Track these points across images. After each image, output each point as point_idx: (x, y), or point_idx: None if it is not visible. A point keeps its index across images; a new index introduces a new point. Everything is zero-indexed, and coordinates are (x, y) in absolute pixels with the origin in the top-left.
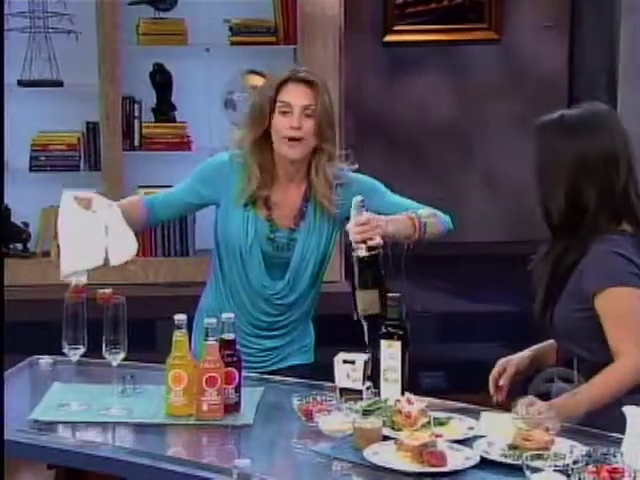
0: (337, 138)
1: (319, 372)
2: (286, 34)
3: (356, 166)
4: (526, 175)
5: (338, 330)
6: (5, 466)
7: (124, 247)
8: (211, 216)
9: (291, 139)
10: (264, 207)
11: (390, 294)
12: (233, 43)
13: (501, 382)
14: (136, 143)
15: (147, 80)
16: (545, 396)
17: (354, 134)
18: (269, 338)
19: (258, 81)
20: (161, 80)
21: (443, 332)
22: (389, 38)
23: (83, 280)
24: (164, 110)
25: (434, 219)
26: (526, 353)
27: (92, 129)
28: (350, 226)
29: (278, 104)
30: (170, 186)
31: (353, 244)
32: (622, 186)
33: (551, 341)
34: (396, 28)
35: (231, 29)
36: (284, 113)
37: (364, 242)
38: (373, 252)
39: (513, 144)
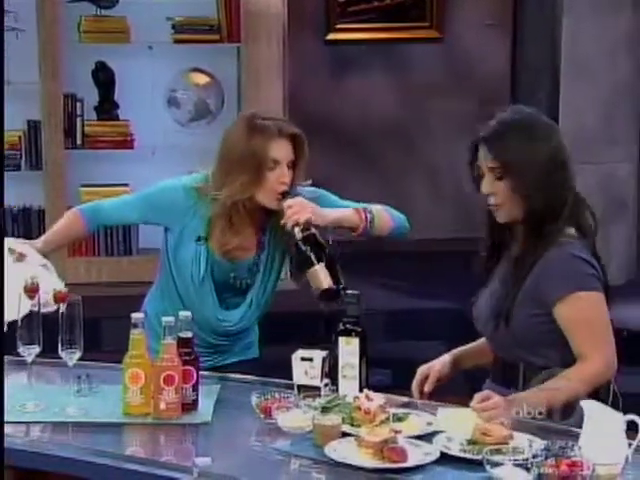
0: None
1: (264, 368)
2: (230, 32)
3: (309, 181)
4: (467, 171)
5: (285, 327)
6: None
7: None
8: None
9: (281, 193)
10: (219, 243)
11: (349, 291)
12: (176, 41)
13: (425, 389)
14: (78, 141)
15: (89, 78)
16: None
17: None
18: (219, 344)
19: (201, 79)
20: (104, 78)
21: (387, 330)
22: (332, 36)
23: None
24: (107, 108)
25: (384, 214)
26: (447, 358)
27: (33, 127)
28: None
29: (267, 161)
30: (113, 185)
31: (291, 232)
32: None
33: (475, 343)
34: (339, 26)
35: (174, 27)
36: (271, 169)
37: (297, 225)
38: (308, 231)
39: (456, 142)
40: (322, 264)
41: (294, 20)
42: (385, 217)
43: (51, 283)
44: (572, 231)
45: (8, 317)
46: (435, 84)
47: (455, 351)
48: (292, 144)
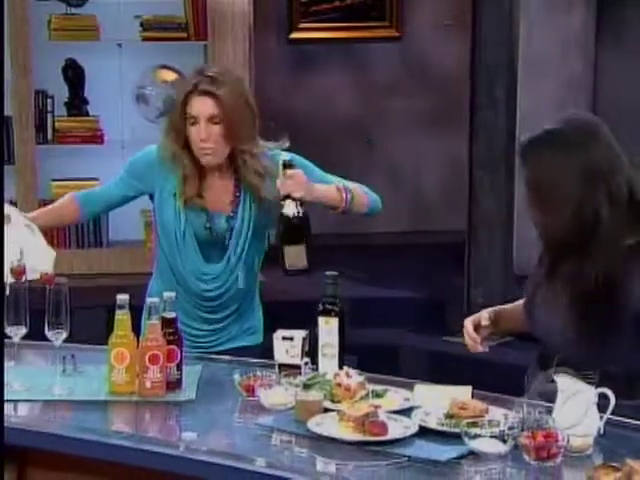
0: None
1: (268, 354)
2: (197, 30)
3: (287, 144)
4: (425, 168)
5: (288, 315)
6: None
7: (41, 262)
8: (125, 209)
9: (203, 149)
10: (196, 197)
11: (327, 272)
12: (144, 39)
13: (483, 322)
14: (49, 137)
15: (60, 75)
16: (550, 395)
17: (259, 130)
18: (214, 321)
19: (169, 76)
20: (73, 75)
21: (350, 318)
22: (294, 35)
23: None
24: (77, 104)
25: (361, 193)
26: (487, 313)
27: (5, 123)
28: (278, 182)
29: (187, 116)
30: (83, 179)
31: (280, 201)
32: (627, 190)
33: (514, 305)
34: (301, 26)
35: (142, 25)
36: (193, 124)
37: (290, 197)
38: (299, 209)
39: (414, 138)
40: (303, 246)
41: (258, 19)
42: (362, 197)
43: (36, 245)
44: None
45: None
46: (394, 82)
47: (495, 309)
48: (213, 100)
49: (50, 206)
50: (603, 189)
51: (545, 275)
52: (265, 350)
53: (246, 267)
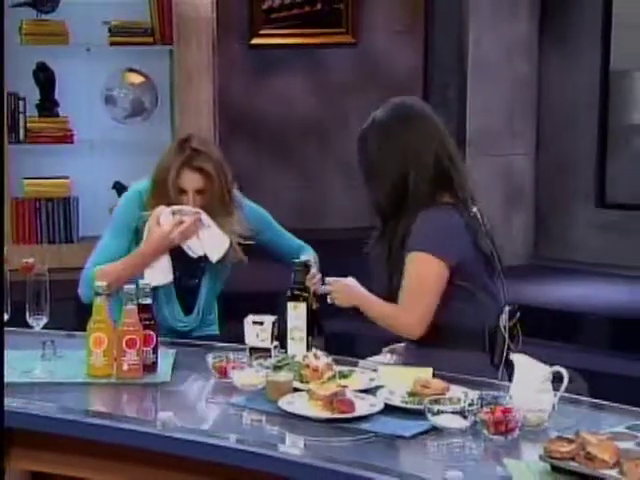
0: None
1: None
2: (162, 35)
3: (236, 186)
4: None
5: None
6: None
7: (220, 243)
8: (94, 206)
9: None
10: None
11: (296, 260)
12: (112, 43)
13: None
14: (21, 137)
15: (31, 78)
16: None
17: (223, 131)
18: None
19: (136, 79)
20: (44, 78)
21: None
22: (255, 41)
23: None
24: (47, 106)
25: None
26: None
27: None
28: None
29: (179, 187)
30: (54, 177)
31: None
32: (442, 164)
33: None
34: (262, 32)
35: (110, 30)
36: (180, 194)
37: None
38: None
39: None
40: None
41: (221, 25)
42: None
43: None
44: (448, 199)
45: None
46: (350, 85)
47: None
48: (201, 175)
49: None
50: (412, 166)
51: (377, 237)
52: (221, 340)
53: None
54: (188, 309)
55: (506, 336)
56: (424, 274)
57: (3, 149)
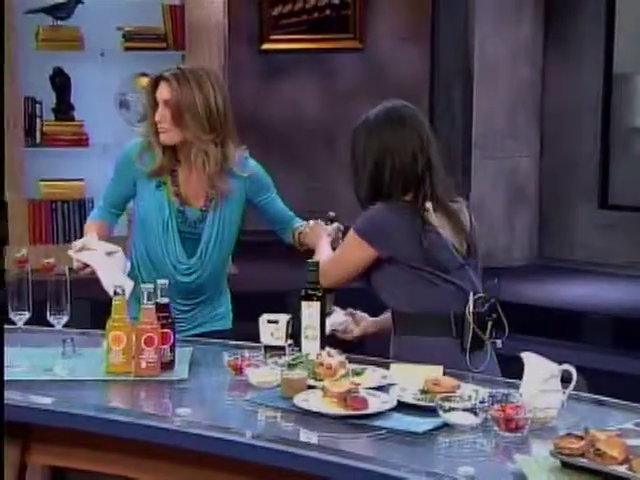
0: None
1: (236, 339)
2: (175, 40)
3: (244, 148)
4: None
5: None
6: None
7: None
8: None
9: (158, 128)
10: (173, 186)
11: (309, 260)
12: (126, 48)
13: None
14: (38, 140)
15: (47, 82)
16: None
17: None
18: (186, 307)
19: None
20: (60, 82)
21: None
22: (265, 46)
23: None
24: (63, 110)
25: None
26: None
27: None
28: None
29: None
30: (69, 180)
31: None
32: (416, 167)
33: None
34: (272, 37)
35: (124, 36)
36: (155, 107)
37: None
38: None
39: None
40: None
41: (232, 31)
42: None
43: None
44: (410, 197)
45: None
46: (357, 89)
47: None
48: (169, 87)
49: (93, 233)
50: (388, 164)
51: None
52: (234, 335)
53: (218, 260)
54: (191, 255)
55: (470, 321)
56: (350, 252)
57: (3, 146)
